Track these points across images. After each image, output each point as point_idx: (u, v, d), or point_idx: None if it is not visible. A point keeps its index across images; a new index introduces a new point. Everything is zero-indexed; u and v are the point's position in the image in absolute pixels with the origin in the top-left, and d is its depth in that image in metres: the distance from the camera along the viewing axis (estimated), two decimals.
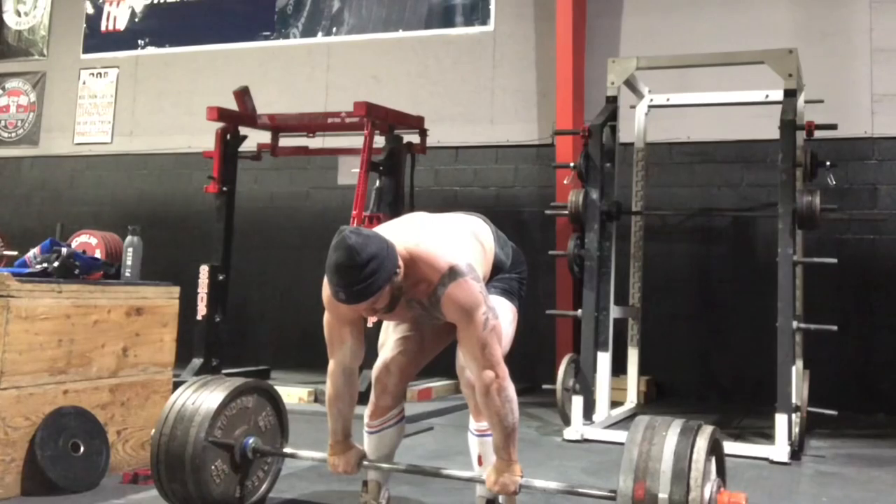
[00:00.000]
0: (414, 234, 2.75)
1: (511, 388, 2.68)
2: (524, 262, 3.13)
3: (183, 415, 3.09)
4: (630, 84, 5.90)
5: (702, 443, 2.49)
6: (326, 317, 2.87)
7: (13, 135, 9.85)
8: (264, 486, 3.36)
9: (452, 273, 2.64)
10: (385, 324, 3.11)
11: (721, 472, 2.67)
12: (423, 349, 3.07)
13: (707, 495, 2.47)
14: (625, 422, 5.46)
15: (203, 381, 3.26)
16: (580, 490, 2.82)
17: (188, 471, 3.02)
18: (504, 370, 2.69)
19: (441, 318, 2.79)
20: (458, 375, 2.96)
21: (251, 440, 3.20)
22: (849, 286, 6.60)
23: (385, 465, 3.04)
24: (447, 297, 2.64)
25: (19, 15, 9.98)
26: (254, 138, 6.87)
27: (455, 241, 2.79)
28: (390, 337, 3.05)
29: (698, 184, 7.21)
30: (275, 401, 3.39)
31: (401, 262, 2.60)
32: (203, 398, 3.13)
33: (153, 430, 3.14)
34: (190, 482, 3.02)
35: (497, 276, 2.99)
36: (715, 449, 2.61)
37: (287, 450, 3.35)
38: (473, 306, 2.64)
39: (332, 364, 2.91)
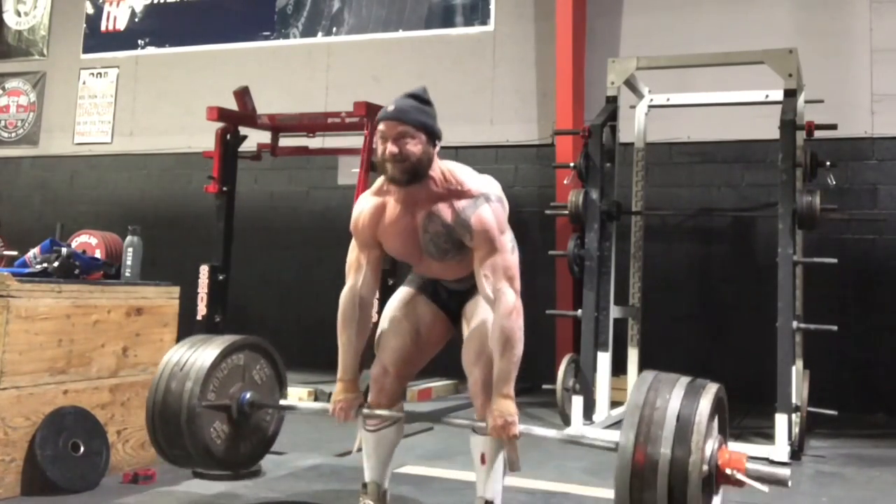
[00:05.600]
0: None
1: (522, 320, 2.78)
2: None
3: (172, 379, 3.04)
4: (630, 84, 5.89)
5: (705, 403, 2.50)
6: (350, 246, 2.98)
7: (13, 135, 9.86)
8: (269, 435, 3.31)
9: (485, 196, 2.78)
10: (381, 325, 3.09)
11: (723, 429, 2.67)
12: (421, 349, 3.07)
13: (708, 453, 2.48)
14: None
15: (190, 342, 3.20)
16: (584, 441, 2.88)
17: (186, 435, 2.99)
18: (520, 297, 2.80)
19: (457, 249, 2.82)
20: (467, 373, 2.93)
21: (247, 395, 3.16)
22: (849, 286, 6.59)
23: (385, 412, 2.99)
24: (478, 216, 2.74)
25: (19, 15, 9.99)
26: (254, 138, 6.87)
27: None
28: (387, 338, 3.05)
29: (698, 184, 7.20)
30: (268, 353, 3.34)
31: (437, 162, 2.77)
32: (195, 357, 3.08)
33: (147, 395, 3.11)
34: (190, 447, 3.00)
35: None
36: (718, 408, 2.61)
37: (284, 402, 3.29)
38: (502, 229, 2.78)
39: (344, 289, 2.96)
